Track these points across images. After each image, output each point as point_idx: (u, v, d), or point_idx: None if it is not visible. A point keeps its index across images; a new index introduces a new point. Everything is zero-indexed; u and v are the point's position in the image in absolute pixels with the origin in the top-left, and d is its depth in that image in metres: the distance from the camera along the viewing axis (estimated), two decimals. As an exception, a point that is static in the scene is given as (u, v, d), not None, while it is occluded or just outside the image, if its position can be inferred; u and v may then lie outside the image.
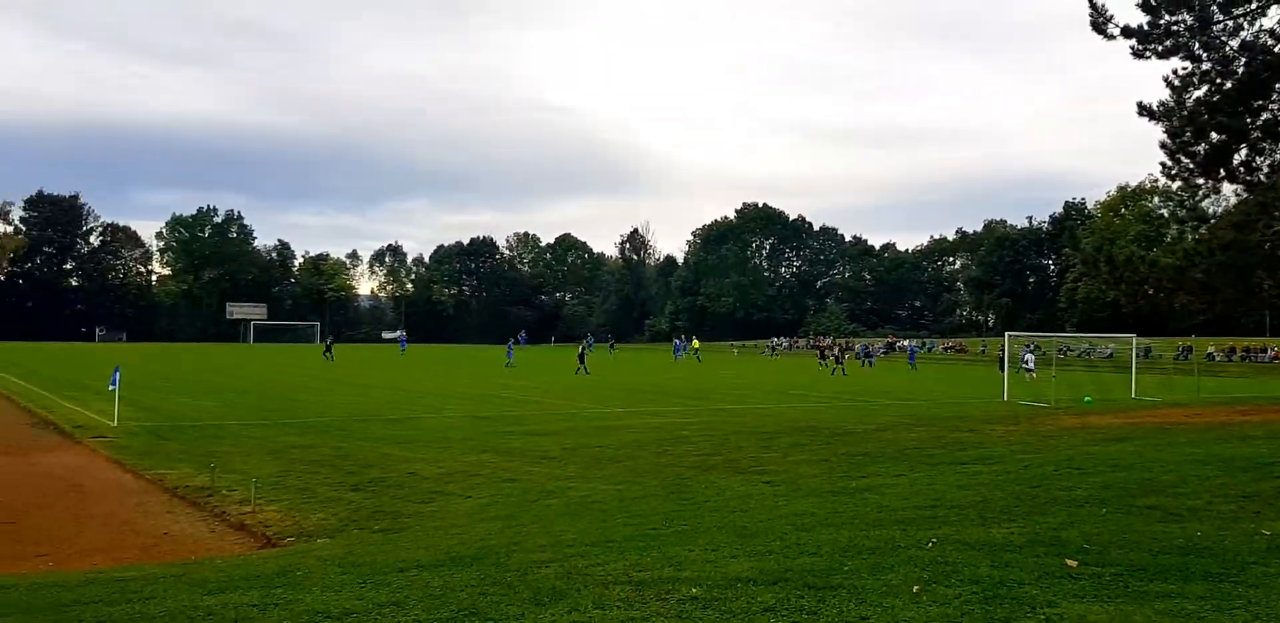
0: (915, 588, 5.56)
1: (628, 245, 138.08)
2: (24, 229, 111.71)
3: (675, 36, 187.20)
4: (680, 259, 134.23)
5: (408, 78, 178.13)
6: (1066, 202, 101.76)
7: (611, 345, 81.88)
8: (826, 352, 51.92)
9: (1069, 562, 6.20)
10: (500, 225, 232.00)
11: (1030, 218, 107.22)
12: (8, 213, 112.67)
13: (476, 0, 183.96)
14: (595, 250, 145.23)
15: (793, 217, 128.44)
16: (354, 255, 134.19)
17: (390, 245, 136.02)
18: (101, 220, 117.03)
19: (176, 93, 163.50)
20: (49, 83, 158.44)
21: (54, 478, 14.68)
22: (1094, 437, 17.79)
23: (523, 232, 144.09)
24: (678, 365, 52.78)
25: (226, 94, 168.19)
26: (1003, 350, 39.18)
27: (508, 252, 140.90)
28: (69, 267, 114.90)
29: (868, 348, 66.70)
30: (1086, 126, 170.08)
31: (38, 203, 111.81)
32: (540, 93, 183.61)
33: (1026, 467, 13.29)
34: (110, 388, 21.93)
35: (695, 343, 73.52)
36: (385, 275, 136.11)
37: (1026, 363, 39.66)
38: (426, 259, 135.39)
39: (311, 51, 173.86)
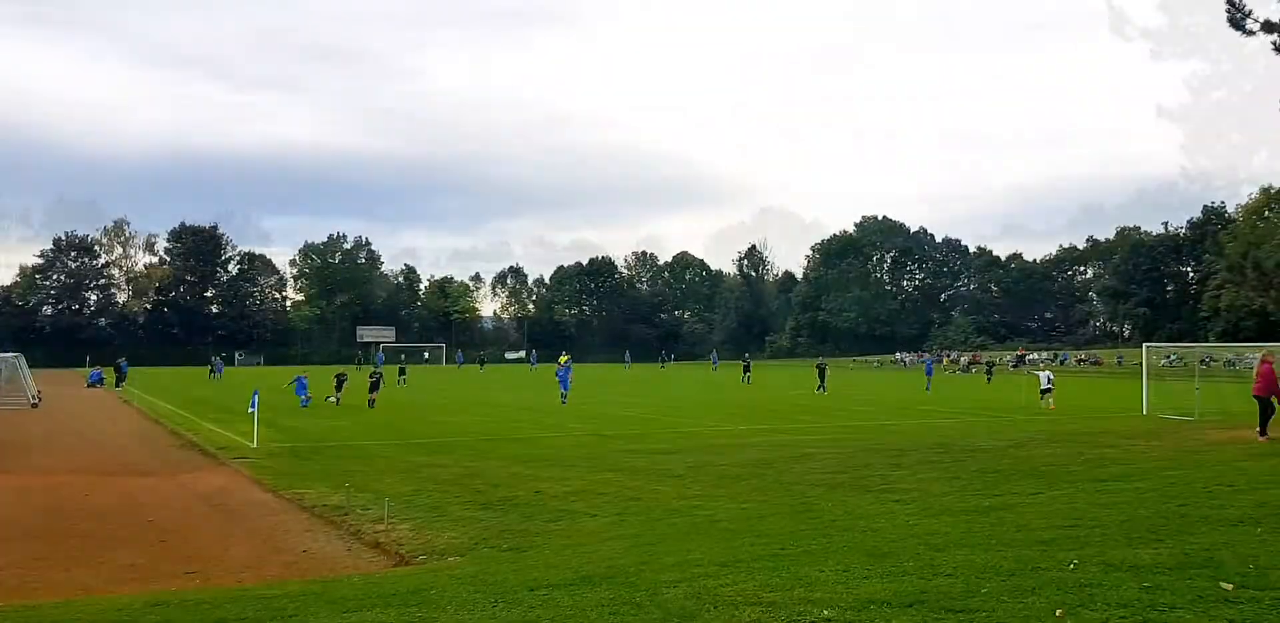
0: (1058, 612, 5.37)
1: (745, 262, 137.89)
2: (168, 260, 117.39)
3: (783, 50, 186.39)
4: (800, 274, 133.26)
5: (500, 98, 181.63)
6: (1205, 206, 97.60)
7: (663, 362, 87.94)
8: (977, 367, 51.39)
9: (1224, 585, 5.91)
10: (607, 243, 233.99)
11: (1166, 224, 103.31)
12: (153, 244, 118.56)
13: (576, 18, 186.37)
14: (713, 268, 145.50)
15: (914, 228, 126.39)
16: (476, 278, 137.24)
17: (512, 267, 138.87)
18: (239, 250, 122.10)
19: (284, 121, 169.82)
20: (172, 114, 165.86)
21: (200, 498, 15.31)
22: (1245, 452, 16.94)
23: (641, 251, 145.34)
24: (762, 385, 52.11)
25: (333, 120, 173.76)
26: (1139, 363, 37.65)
27: (626, 271, 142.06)
28: (209, 294, 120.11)
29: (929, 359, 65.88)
30: (1226, 126, 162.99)
31: (180, 234, 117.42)
32: (641, 111, 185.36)
33: (1172, 484, 12.73)
34: (250, 410, 22.83)
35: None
36: (507, 297, 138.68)
37: (1044, 383, 33.58)
38: (547, 280, 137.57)
39: (410, 75, 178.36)
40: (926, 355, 70.91)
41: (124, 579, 10.07)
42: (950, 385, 48.89)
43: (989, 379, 53.35)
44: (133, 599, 8.37)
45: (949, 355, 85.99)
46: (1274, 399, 19.38)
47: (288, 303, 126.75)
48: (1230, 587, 5.85)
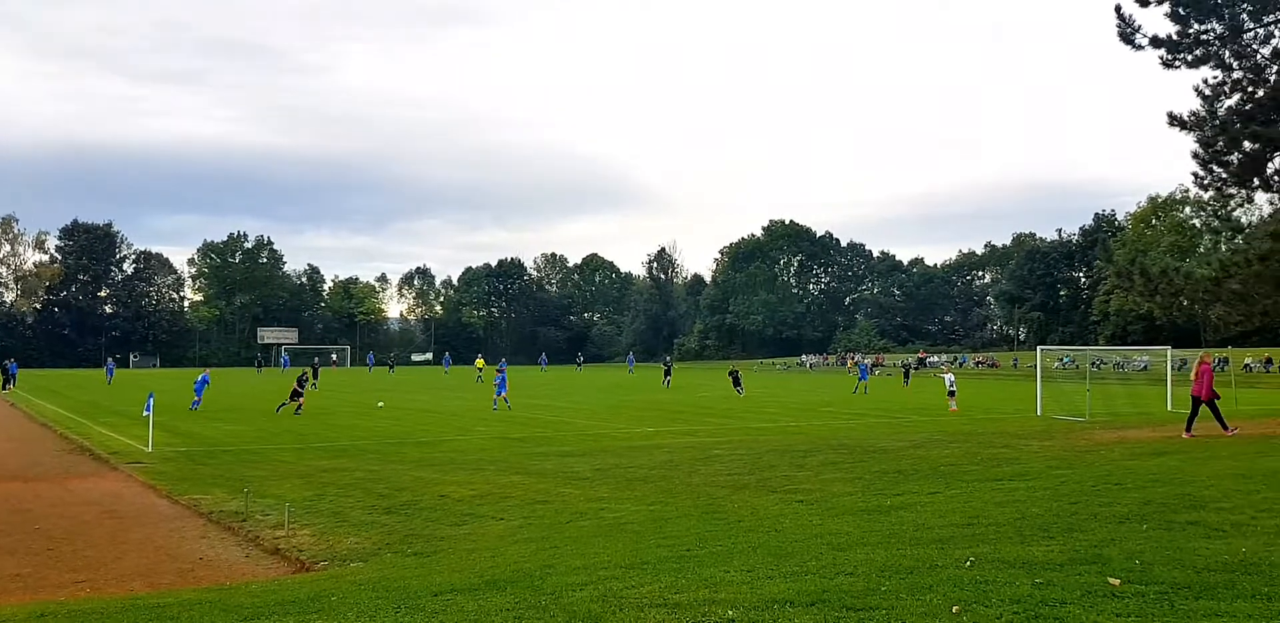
0: (955, 609, 5.49)
1: (655, 264, 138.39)
2: (59, 258, 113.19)
3: (684, 53, 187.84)
4: (708, 277, 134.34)
5: (409, 96, 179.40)
6: (1096, 213, 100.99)
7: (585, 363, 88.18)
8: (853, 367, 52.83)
9: (1111, 580, 6.10)
10: (513, 244, 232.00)
11: (1060, 230, 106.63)
12: (43, 242, 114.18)
13: (477, 18, 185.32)
14: (623, 270, 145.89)
15: (820, 233, 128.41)
16: (383, 278, 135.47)
17: (419, 268, 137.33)
18: (134, 248, 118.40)
19: (183, 115, 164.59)
20: (56, 108, 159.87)
21: (90, 504, 14.80)
22: (1132, 451, 17.56)
23: (550, 252, 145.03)
24: (666, 387, 51.92)
25: (233, 116, 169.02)
26: (1034, 365, 38.76)
27: (535, 273, 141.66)
28: (104, 294, 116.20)
29: (865, 362, 66.91)
30: (1116, 137, 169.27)
31: (72, 232, 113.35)
32: (544, 114, 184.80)
33: (1064, 483, 13.14)
34: (145, 414, 22.15)
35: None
36: (414, 298, 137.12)
37: (948, 385, 33.55)
38: (455, 281, 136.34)
39: (317, 71, 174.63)
40: (863, 359, 71.91)
41: (8, 590, 9.68)
42: (853, 387, 49.72)
43: (906, 382, 53.43)
44: (16, 610, 8.04)
45: (853, 358, 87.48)
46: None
47: (185, 303, 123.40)
48: (1117, 582, 6.05)
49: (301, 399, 32.13)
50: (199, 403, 33.31)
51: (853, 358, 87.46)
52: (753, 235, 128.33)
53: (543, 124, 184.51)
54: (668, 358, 72.99)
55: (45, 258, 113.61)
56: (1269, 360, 61.32)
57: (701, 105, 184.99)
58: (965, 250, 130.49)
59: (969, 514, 10.33)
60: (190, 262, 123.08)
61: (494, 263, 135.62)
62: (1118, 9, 20.38)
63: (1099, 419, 26.68)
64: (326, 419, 29.96)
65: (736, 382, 43.43)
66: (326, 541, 11.39)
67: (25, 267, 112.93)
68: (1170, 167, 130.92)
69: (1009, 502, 11.34)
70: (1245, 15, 19.81)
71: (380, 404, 35.50)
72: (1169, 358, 37.49)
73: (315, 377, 51.47)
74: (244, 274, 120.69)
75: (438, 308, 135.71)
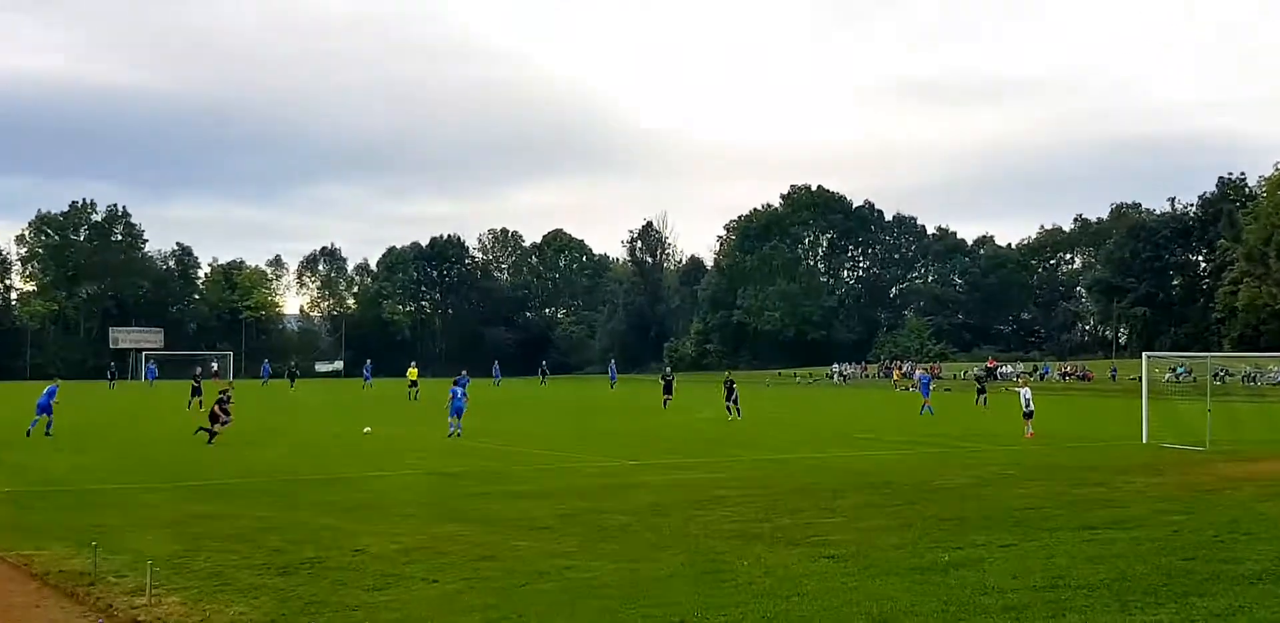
0: (1033, 698, 5.52)
1: (639, 244, 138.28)
2: None
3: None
4: (710, 262, 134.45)
5: (313, 18, 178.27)
6: (1220, 177, 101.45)
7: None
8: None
9: (1238, 660, 6.15)
10: (452, 218, 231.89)
11: (1173, 200, 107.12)
12: None
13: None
14: (596, 252, 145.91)
15: (857, 203, 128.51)
16: (277, 262, 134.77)
17: (325, 248, 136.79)
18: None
19: (17, 46, 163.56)
20: None
21: (-113, 563, 14.73)
22: (1265, 491, 17.69)
23: (500, 228, 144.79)
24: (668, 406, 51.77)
25: (84, 46, 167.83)
26: (1140, 377, 38.92)
27: (481, 255, 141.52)
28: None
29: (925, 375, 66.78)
30: (1244, 75, 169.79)
31: None
32: (491, 36, 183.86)
33: (1177, 532, 13.22)
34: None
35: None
36: (319, 288, 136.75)
37: (1023, 404, 34.40)
38: (374, 266, 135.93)
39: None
40: (920, 371, 72.31)
41: None
42: (904, 408, 49.93)
43: (983, 401, 52.39)
44: None
45: (899, 368, 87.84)
46: None
47: (13, 295, 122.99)
48: (1245, 662, 6.09)
49: (221, 427, 31.52)
50: (50, 423, 32.75)
51: (899, 368, 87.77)
52: (769, 206, 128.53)
53: (491, 51, 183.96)
54: (668, 369, 72.58)
55: None
56: None
57: (709, 33, 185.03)
58: (1049, 226, 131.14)
59: (1052, 574, 10.39)
60: (19, 239, 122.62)
61: (425, 242, 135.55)
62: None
63: (1223, 448, 26.81)
64: (203, 449, 29.85)
65: (730, 395, 43.15)
66: (202, 610, 11.37)
67: None
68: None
69: (1105, 557, 11.41)
70: None
71: (366, 430, 35.15)
72: (1315, 368, 37.74)
73: (197, 394, 51.02)
74: (91, 256, 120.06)
75: (350, 301, 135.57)
